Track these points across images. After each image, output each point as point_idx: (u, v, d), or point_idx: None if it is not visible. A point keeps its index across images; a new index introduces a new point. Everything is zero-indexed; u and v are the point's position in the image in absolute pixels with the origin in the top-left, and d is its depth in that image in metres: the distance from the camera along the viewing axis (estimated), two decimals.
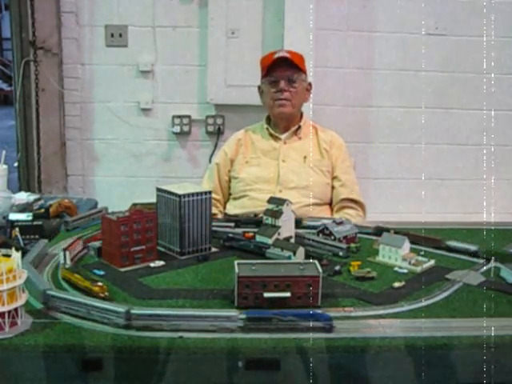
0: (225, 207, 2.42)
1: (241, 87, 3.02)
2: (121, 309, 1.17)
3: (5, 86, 12.58)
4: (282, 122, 2.38)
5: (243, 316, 1.18)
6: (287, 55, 2.32)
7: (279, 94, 2.29)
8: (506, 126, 3.33)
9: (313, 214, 2.24)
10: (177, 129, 3.20)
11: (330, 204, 2.36)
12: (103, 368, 1.11)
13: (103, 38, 3.12)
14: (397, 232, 1.68)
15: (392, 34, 3.19)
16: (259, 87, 2.41)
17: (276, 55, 2.31)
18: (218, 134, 3.22)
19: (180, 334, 1.14)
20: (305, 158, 2.33)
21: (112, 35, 3.11)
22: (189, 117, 3.20)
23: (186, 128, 3.21)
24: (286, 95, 2.29)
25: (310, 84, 2.40)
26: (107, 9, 3.09)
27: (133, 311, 1.17)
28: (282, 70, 2.29)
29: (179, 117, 3.20)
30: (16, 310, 1.15)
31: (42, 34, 3.06)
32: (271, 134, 2.39)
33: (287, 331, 1.16)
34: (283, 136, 2.38)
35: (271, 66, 2.30)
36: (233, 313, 1.18)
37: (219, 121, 3.21)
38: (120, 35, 3.11)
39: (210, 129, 3.23)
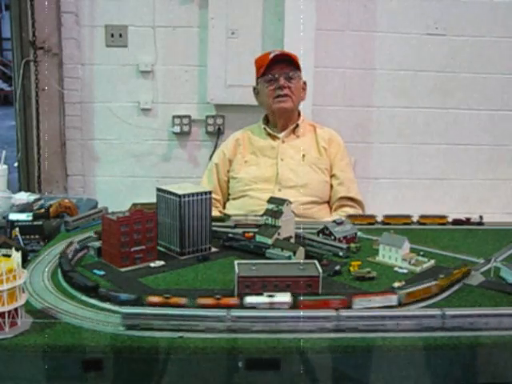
0: (224, 207, 2.42)
1: (241, 87, 3.01)
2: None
3: (5, 86, 12.59)
4: (281, 119, 2.38)
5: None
6: (285, 53, 2.35)
7: (279, 90, 2.30)
8: (505, 126, 3.33)
9: (312, 213, 2.25)
10: (177, 129, 3.20)
11: (329, 202, 2.36)
12: (103, 368, 1.11)
13: (103, 38, 3.12)
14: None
15: (392, 34, 3.19)
16: (254, 88, 2.42)
17: (273, 54, 2.32)
18: (218, 134, 3.22)
19: (180, 334, 1.14)
20: (303, 156, 2.34)
21: (112, 35, 3.11)
22: (189, 117, 3.21)
23: (185, 128, 3.21)
24: (286, 91, 2.30)
25: (304, 83, 2.41)
26: (107, 9, 3.09)
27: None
28: (280, 67, 2.30)
29: (179, 117, 3.20)
30: (16, 310, 1.14)
31: (42, 34, 3.06)
32: (269, 134, 2.39)
33: (287, 331, 1.16)
34: (281, 135, 2.38)
35: (269, 65, 2.30)
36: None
37: (219, 121, 3.21)
38: (120, 35, 3.11)
39: (210, 129, 3.23)
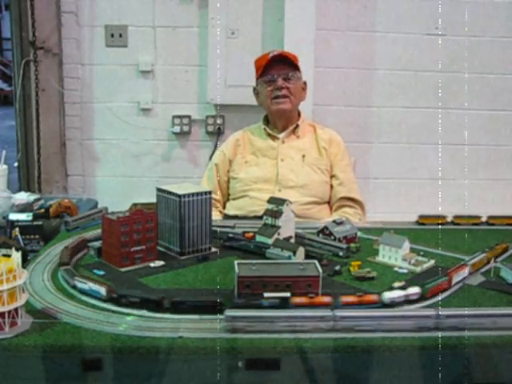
0: (224, 207, 2.42)
1: (241, 87, 3.01)
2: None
3: (5, 86, 12.57)
4: (281, 121, 2.38)
5: None
6: (283, 53, 2.34)
7: (277, 91, 2.29)
8: (506, 126, 3.33)
9: (312, 213, 2.25)
10: (177, 129, 3.20)
11: (329, 202, 2.36)
12: (103, 368, 1.11)
13: (103, 38, 3.12)
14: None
15: (392, 34, 3.19)
16: (254, 89, 2.42)
17: (271, 54, 2.32)
18: (217, 134, 3.22)
19: (180, 334, 1.14)
20: (303, 156, 2.34)
21: (112, 35, 3.11)
22: (189, 117, 3.20)
23: (185, 128, 3.21)
24: (284, 92, 2.29)
25: (304, 83, 2.41)
26: (107, 9, 3.09)
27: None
28: (278, 68, 2.30)
29: (179, 117, 3.20)
30: (16, 309, 1.15)
31: (42, 34, 3.06)
32: (269, 134, 2.39)
33: (287, 331, 1.16)
34: (281, 135, 2.38)
35: (267, 65, 2.30)
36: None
37: (219, 121, 3.21)
38: (120, 35, 3.11)
39: (210, 129, 3.23)
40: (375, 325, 1.17)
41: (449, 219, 2.00)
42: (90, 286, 1.30)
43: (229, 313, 1.17)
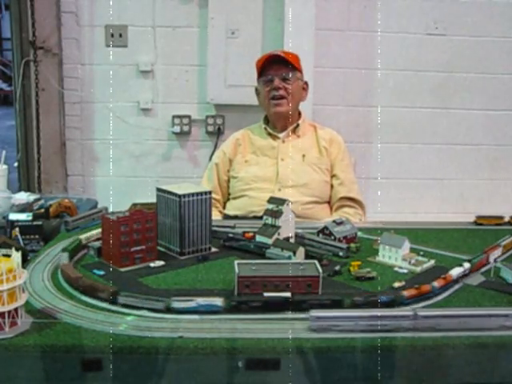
0: (224, 207, 2.42)
1: (241, 87, 3.01)
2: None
3: (5, 86, 12.57)
4: (280, 121, 2.38)
5: None
6: (280, 54, 2.33)
7: (274, 91, 2.29)
8: (506, 126, 3.33)
9: (312, 213, 2.25)
10: (177, 129, 3.20)
11: (330, 202, 2.36)
12: (103, 368, 1.11)
13: (103, 38, 3.12)
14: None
15: (392, 34, 3.18)
16: (256, 89, 2.42)
17: (269, 54, 2.32)
18: (218, 133, 3.22)
19: (180, 334, 1.14)
20: (303, 156, 2.34)
21: (112, 35, 3.11)
22: (189, 117, 3.20)
23: (185, 128, 3.21)
24: (281, 93, 2.29)
25: (306, 83, 2.41)
26: (107, 9, 3.09)
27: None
28: (275, 68, 2.30)
29: (179, 117, 3.20)
30: (16, 310, 1.15)
31: (42, 34, 3.06)
32: (270, 133, 2.39)
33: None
34: (282, 135, 2.38)
35: (265, 66, 2.30)
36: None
37: (219, 121, 3.21)
38: (120, 35, 3.11)
39: (210, 129, 3.23)
40: (455, 323, 1.18)
41: (506, 219, 2.00)
42: (198, 302, 1.23)
43: (313, 313, 1.17)
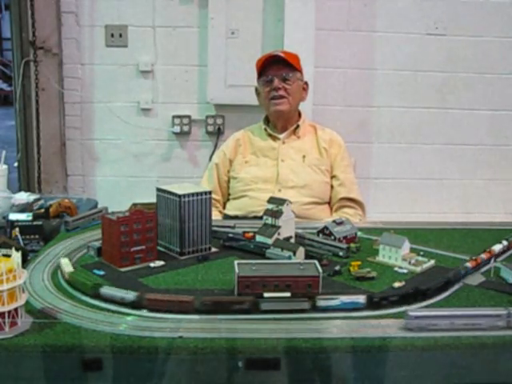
0: (224, 207, 2.42)
1: (241, 87, 3.01)
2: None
3: (5, 86, 12.58)
4: (280, 121, 2.38)
5: None
6: (280, 54, 2.33)
7: (274, 91, 2.29)
8: (506, 126, 3.33)
9: (312, 213, 2.25)
10: (177, 129, 3.20)
11: (330, 203, 2.36)
12: (103, 368, 1.11)
13: (103, 38, 3.12)
14: None
15: (392, 34, 3.18)
16: (256, 89, 2.42)
17: (269, 55, 2.32)
18: (218, 134, 3.22)
19: (180, 334, 1.14)
20: (304, 157, 2.34)
21: (112, 35, 3.11)
22: (189, 117, 3.20)
23: (186, 128, 3.21)
24: (281, 93, 2.29)
25: (306, 83, 2.41)
26: (107, 9, 3.09)
27: None
28: (275, 68, 2.30)
29: (179, 117, 3.20)
30: (16, 310, 1.14)
31: (42, 34, 3.06)
32: (270, 134, 2.39)
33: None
34: (282, 135, 2.38)
35: (265, 66, 2.30)
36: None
37: (219, 121, 3.21)
38: (120, 35, 3.11)
39: (210, 129, 3.23)
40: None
41: None
42: (341, 299, 1.26)
43: (411, 312, 1.18)
